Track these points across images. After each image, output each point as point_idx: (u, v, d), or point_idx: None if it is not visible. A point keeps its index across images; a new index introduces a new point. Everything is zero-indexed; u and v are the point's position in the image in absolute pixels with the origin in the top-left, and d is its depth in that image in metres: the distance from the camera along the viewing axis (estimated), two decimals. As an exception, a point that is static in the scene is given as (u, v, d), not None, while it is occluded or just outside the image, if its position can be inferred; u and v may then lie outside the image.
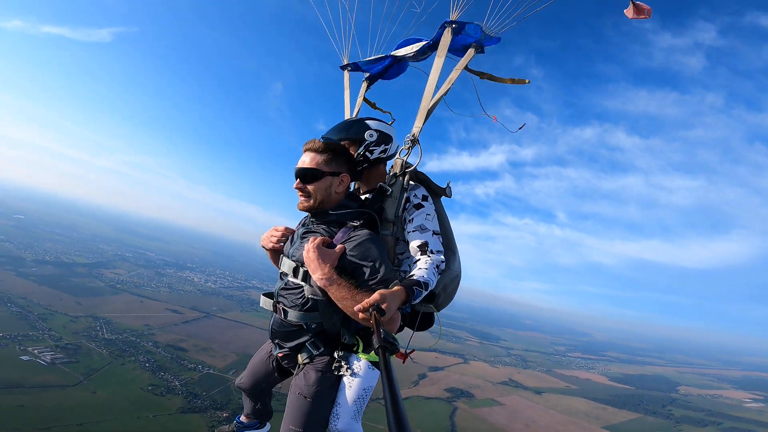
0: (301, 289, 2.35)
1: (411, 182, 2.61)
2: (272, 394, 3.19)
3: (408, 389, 61.55)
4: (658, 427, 64.59)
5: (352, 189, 2.83)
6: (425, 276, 2.21)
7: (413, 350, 2.59)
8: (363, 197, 2.71)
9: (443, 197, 2.82)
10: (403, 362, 2.54)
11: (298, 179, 2.39)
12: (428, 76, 2.84)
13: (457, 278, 2.68)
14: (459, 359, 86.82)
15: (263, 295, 2.61)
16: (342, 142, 2.58)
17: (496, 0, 2.68)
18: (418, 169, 2.67)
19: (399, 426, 0.86)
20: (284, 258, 2.51)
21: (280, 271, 2.54)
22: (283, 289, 2.45)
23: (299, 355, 2.46)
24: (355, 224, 2.37)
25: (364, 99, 3.50)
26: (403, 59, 3.37)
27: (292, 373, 2.56)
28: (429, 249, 2.39)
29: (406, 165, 2.60)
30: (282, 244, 2.66)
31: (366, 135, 2.56)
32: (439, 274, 2.36)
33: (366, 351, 2.39)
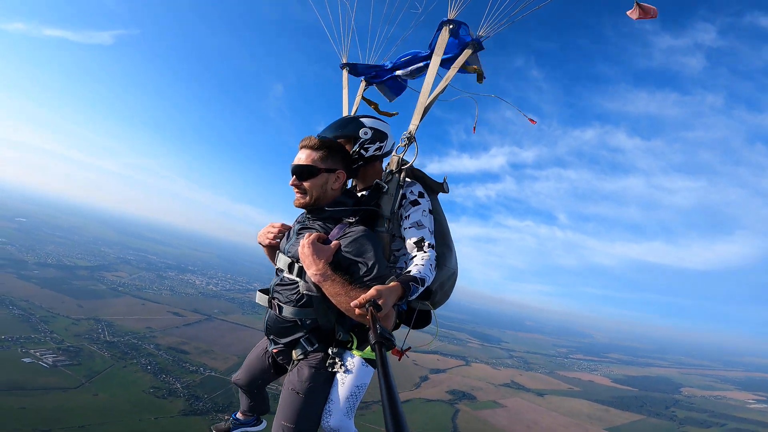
0: (295, 285, 2.36)
1: (407, 179, 2.62)
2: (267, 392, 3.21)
3: (410, 391, 61.39)
4: (662, 428, 64.29)
5: (349, 186, 2.84)
6: (421, 272, 2.21)
7: (409, 347, 2.59)
8: (359, 194, 2.74)
9: (440, 194, 2.82)
10: (399, 359, 2.55)
11: (294, 176, 2.42)
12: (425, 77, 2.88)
13: (453, 275, 2.68)
14: (461, 361, 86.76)
15: (259, 291, 2.63)
16: (338, 140, 2.60)
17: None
18: (415, 166, 2.68)
19: (395, 422, 0.86)
20: (280, 254, 2.52)
21: (276, 267, 2.56)
22: (278, 284, 2.47)
23: (293, 351, 2.46)
24: (350, 221, 2.39)
25: (364, 98, 3.55)
26: (401, 77, 3.40)
27: (287, 370, 2.56)
28: (425, 245, 2.39)
29: (402, 162, 2.60)
30: (278, 240, 2.67)
31: (361, 133, 2.57)
32: (435, 269, 2.36)
33: (360, 348, 2.38)
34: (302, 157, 2.42)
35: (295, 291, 2.36)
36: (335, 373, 2.38)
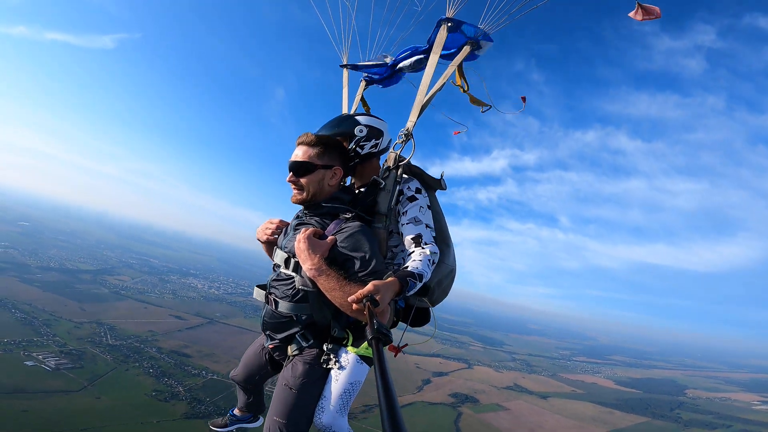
0: (292, 280, 2.37)
1: (405, 175, 2.63)
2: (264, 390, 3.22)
3: (412, 395, 61.16)
4: (667, 430, 63.79)
5: (348, 184, 2.87)
6: (419, 267, 2.20)
7: (406, 344, 2.59)
8: (357, 191, 2.75)
9: (441, 195, 2.83)
10: (395, 356, 2.55)
11: (291, 172, 2.44)
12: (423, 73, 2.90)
13: (452, 273, 2.67)
14: (463, 364, 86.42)
15: (257, 286, 2.64)
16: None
17: None
18: (414, 164, 2.71)
19: (392, 418, 0.85)
20: (277, 249, 2.54)
21: (273, 262, 2.57)
22: (275, 280, 2.48)
23: (289, 347, 2.47)
24: (347, 216, 2.40)
25: (363, 99, 3.59)
26: (401, 70, 3.44)
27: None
28: (423, 241, 2.39)
29: (399, 158, 2.62)
30: (276, 236, 2.69)
31: (356, 130, 2.58)
32: (433, 265, 2.35)
33: (356, 345, 2.36)
34: (299, 153, 2.45)
35: (291, 286, 2.37)
36: (330, 369, 2.37)
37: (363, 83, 3.60)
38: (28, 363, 42.23)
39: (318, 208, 2.47)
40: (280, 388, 2.39)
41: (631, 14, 2.83)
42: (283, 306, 2.39)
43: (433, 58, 2.89)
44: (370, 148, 2.63)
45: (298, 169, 2.42)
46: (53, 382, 39.78)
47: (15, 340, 46.38)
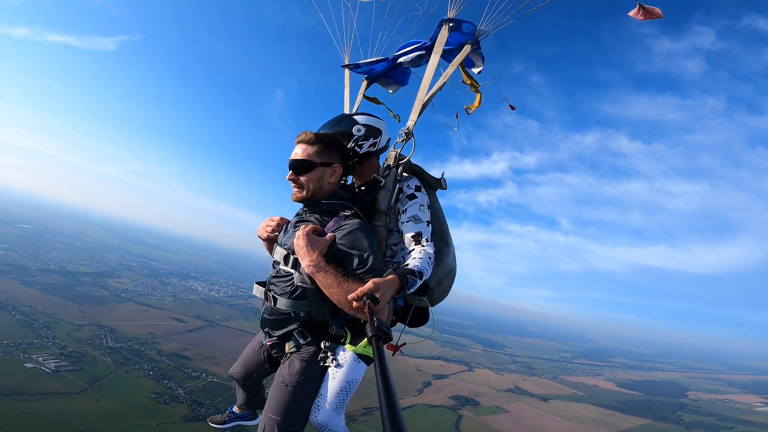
0: (290, 277, 2.38)
1: (404, 174, 2.64)
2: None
3: (413, 397, 60.99)
4: (668, 433, 63.59)
5: (349, 183, 2.90)
6: (419, 265, 2.20)
7: (404, 343, 2.60)
8: (357, 190, 2.76)
9: (442, 197, 2.84)
10: (393, 354, 2.54)
11: (291, 171, 2.46)
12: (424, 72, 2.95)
13: (452, 272, 2.67)
14: (464, 367, 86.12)
15: (256, 283, 2.64)
16: None
17: None
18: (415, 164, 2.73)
19: (392, 416, 0.85)
20: (277, 246, 2.56)
21: (273, 259, 2.58)
22: (274, 277, 2.49)
23: (286, 344, 2.47)
24: (346, 214, 2.41)
25: (365, 96, 3.63)
26: (402, 64, 3.47)
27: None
28: (423, 239, 2.39)
29: (399, 157, 2.63)
30: (277, 233, 2.71)
31: (354, 130, 2.58)
32: (433, 263, 2.34)
33: (353, 343, 2.35)
34: (298, 151, 2.47)
35: (289, 283, 2.38)
36: (327, 367, 2.36)
37: (365, 83, 3.62)
38: (28, 365, 42.18)
39: (317, 205, 2.49)
40: (277, 385, 2.38)
41: (632, 13, 2.85)
42: (282, 303, 2.39)
43: (434, 58, 2.93)
44: (369, 147, 2.64)
45: (298, 167, 2.44)
46: (53, 384, 39.69)
47: (15, 342, 46.32)
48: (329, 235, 2.29)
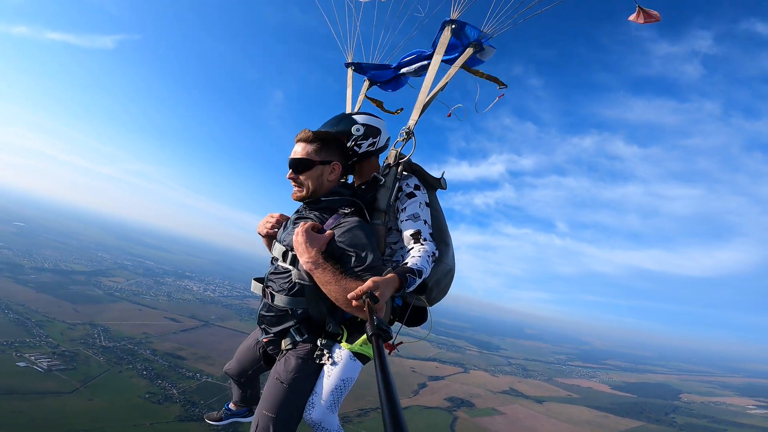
0: (289, 274, 2.38)
1: (404, 172, 2.64)
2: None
3: (408, 398, 60.95)
4: (661, 435, 63.93)
5: (350, 182, 2.91)
6: (419, 264, 2.21)
7: (401, 342, 2.60)
8: (357, 188, 2.77)
9: (441, 196, 2.84)
10: (389, 353, 2.53)
11: (291, 170, 2.47)
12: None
13: (451, 272, 2.67)
14: (459, 368, 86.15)
15: (254, 279, 2.65)
16: None
17: (497, 1, 2.79)
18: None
19: (392, 414, 0.85)
20: (276, 243, 2.56)
21: (272, 256, 2.59)
22: (272, 273, 2.49)
23: (283, 341, 2.46)
24: (345, 211, 2.42)
25: (367, 97, 3.65)
26: (405, 74, 3.51)
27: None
28: (422, 237, 2.39)
29: (400, 156, 2.65)
30: (276, 230, 2.72)
31: (353, 129, 2.59)
32: (433, 262, 2.35)
33: (350, 341, 2.33)
34: (298, 150, 2.48)
35: (287, 280, 2.38)
36: (323, 365, 2.35)
37: (367, 83, 3.64)
38: (21, 364, 41.73)
39: (317, 202, 2.49)
40: (272, 382, 2.38)
41: (632, 17, 2.87)
42: (280, 299, 2.39)
43: (436, 59, 2.95)
44: (368, 147, 2.66)
45: (297, 166, 2.45)
46: (45, 384, 39.29)
47: (7, 341, 45.83)
48: (328, 232, 2.29)
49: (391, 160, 2.64)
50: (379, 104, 3.68)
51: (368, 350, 2.32)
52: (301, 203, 2.60)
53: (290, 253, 2.37)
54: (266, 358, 2.75)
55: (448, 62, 3.08)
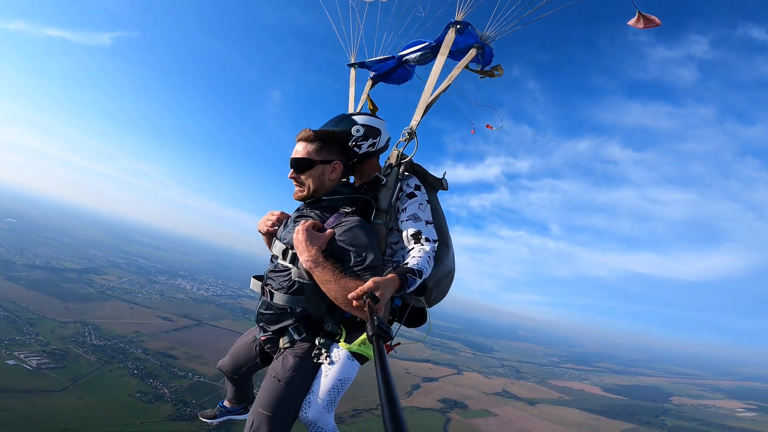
0: (288, 272, 2.38)
1: (406, 173, 2.65)
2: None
3: (401, 400, 59.41)
4: (652, 438, 64.46)
5: (351, 182, 2.91)
6: (419, 264, 2.20)
7: (399, 342, 2.59)
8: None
9: (440, 195, 2.85)
10: (387, 353, 2.55)
11: (292, 169, 2.48)
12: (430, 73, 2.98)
13: (450, 273, 2.68)
14: (453, 370, 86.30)
15: (253, 277, 2.64)
16: None
17: (501, 3, 2.80)
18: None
19: (392, 413, 0.85)
20: (276, 241, 2.56)
21: (271, 254, 2.59)
22: (272, 271, 2.49)
23: (281, 339, 2.45)
24: (346, 210, 2.42)
25: (369, 98, 3.65)
26: (407, 61, 3.50)
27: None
28: (422, 237, 2.39)
29: (401, 156, 2.64)
30: (277, 228, 2.72)
31: (353, 130, 2.59)
32: (433, 262, 2.35)
33: (348, 341, 2.33)
34: (299, 149, 2.49)
35: (287, 278, 2.38)
36: (320, 364, 2.34)
37: (369, 82, 3.64)
38: (10, 362, 41.22)
39: (318, 201, 2.50)
40: (269, 380, 2.37)
41: (631, 22, 2.88)
42: (279, 297, 2.39)
43: (440, 60, 2.95)
44: (368, 148, 2.66)
45: (298, 165, 2.46)
46: (35, 382, 38.84)
47: (-3, 339, 45.25)
48: (328, 231, 2.30)
49: (393, 161, 2.64)
50: (373, 110, 3.63)
51: (366, 350, 2.32)
52: (302, 202, 2.61)
53: (290, 252, 2.37)
54: (263, 356, 2.74)
55: (454, 53, 3.08)
